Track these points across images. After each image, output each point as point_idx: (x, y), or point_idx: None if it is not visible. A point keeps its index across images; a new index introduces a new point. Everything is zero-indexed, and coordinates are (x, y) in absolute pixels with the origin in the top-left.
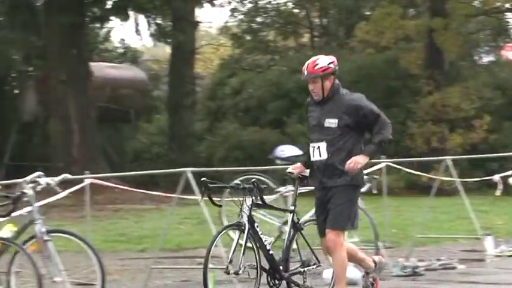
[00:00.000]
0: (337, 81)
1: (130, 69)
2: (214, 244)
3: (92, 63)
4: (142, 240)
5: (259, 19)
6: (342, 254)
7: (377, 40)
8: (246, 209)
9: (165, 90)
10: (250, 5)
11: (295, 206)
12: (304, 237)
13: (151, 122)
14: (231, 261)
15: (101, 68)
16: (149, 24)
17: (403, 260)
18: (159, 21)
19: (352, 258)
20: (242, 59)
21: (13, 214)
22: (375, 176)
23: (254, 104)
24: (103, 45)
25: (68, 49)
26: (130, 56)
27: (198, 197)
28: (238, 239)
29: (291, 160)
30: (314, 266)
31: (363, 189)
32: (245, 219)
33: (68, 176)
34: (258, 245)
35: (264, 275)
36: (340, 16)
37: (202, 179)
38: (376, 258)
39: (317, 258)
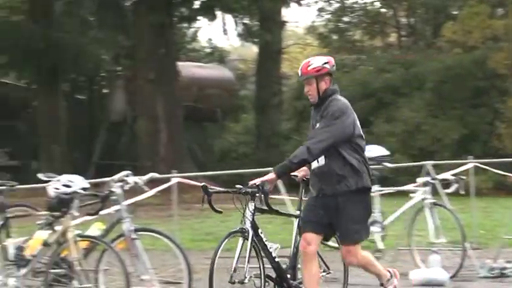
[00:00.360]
0: (335, 85)
1: (217, 68)
2: (219, 252)
3: (179, 63)
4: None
5: (346, 19)
6: (362, 259)
7: (464, 40)
8: (248, 215)
9: (252, 89)
10: (337, 5)
11: (300, 210)
12: (329, 245)
13: (238, 121)
14: (235, 270)
15: (188, 68)
16: (236, 24)
17: (490, 262)
18: (246, 21)
19: (368, 268)
20: None
21: (101, 212)
22: (462, 177)
23: None
24: (190, 45)
25: (156, 49)
26: (217, 55)
27: (283, 196)
28: (241, 247)
29: (377, 160)
30: (324, 273)
31: (449, 190)
32: (248, 226)
33: (156, 175)
34: (262, 253)
35: (272, 284)
36: (427, 15)
37: (202, 184)
38: (391, 270)
39: (326, 265)
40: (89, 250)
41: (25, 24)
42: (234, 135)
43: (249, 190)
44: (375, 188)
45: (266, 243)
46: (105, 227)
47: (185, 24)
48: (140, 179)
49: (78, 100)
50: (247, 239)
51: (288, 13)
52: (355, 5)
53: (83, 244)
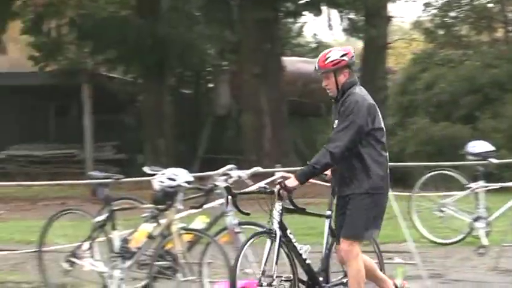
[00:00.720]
0: (354, 77)
1: None
2: (243, 252)
3: (284, 58)
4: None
5: (452, 14)
6: (357, 264)
7: None
8: (276, 215)
9: None
10: (443, 0)
11: (331, 210)
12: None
13: None
14: (263, 273)
15: (293, 63)
16: (342, 19)
17: None
18: (351, 16)
19: (371, 275)
20: (434, 53)
21: (205, 206)
22: None
23: (446, 99)
24: (296, 40)
25: (261, 44)
26: (322, 50)
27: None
28: (270, 248)
29: (483, 156)
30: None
31: None
32: (276, 226)
33: (259, 169)
34: (292, 255)
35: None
36: None
37: (225, 185)
38: (399, 282)
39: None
40: (193, 243)
41: (133, 19)
42: None
43: (275, 189)
44: (480, 183)
45: (296, 244)
46: (209, 220)
47: (290, 20)
48: (244, 173)
49: (184, 94)
50: (275, 240)
51: (394, 8)
52: (462, 0)
53: (187, 237)
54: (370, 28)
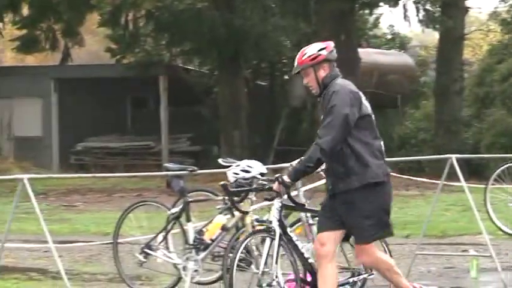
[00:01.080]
0: (336, 70)
1: (398, 55)
2: (240, 252)
3: (360, 50)
4: (406, 226)
5: None
6: (379, 259)
7: None
8: (275, 213)
9: (432, 76)
10: None
11: None
12: (351, 245)
13: (418, 108)
14: (263, 274)
15: (369, 54)
16: (418, 10)
17: None
18: (428, 7)
19: (386, 274)
20: (511, 45)
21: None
22: None
23: None
24: (371, 31)
25: (336, 35)
26: (398, 42)
27: (462, 183)
28: (269, 248)
29: None
30: (365, 275)
31: None
32: (275, 224)
33: None
34: (294, 254)
35: None
36: None
37: (221, 183)
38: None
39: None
40: None
41: (208, 11)
42: (413, 122)
43: (273, 185)
44: None
45: (297, 243)
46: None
47: (366, 11)
48: None
49: (259, 86)
50: (275, 239)
51: None
52: None
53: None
54: (447, 19)
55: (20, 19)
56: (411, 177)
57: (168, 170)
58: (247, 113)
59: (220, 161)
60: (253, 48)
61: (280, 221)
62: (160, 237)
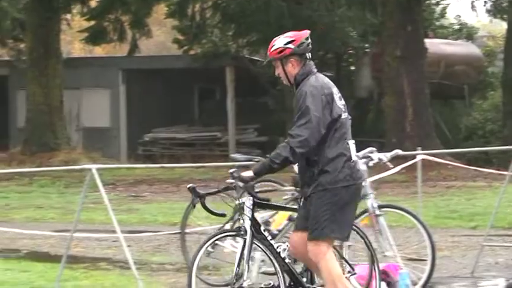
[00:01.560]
0: (310, 65)
1: (465, 45)
2: (200, 254)
3: (426, 40)
4: (473, 218)
5: None
6: (326, 265)
7: None
8: (247, 211)
9: (500, 66)
10: None
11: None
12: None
13: (486, 98)
14: (237, 277)
15: (435, 44)
16: (485, 0)
17: None
18: None
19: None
20: None
21: None
22: None
23: None
24: (438, 21)
25: (403, 26)
26: (465, 32)
27: None
28: (242, 249)
29: None
30: (348, 275)
31: None
32: (247, 224)
33: (400, 151)
34: (269, 255)
35: None
36: None
37: (188, 186)
38: None
39: (351, 266)
40: None
41: (275, 2)
42: (481, 113)
43: (241, 184)
44: None
45: (272, 242)
46: None
47: (433, 1)
48: (384, 156)
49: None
50: (246, 239)
51: None
52: None
53: None
54: None
55: (88, 10)
56: (478, 169)
57: (234, 160)
58: None
59: None
60: (319, 38)
61: (252, 219)
62: (227, 227)
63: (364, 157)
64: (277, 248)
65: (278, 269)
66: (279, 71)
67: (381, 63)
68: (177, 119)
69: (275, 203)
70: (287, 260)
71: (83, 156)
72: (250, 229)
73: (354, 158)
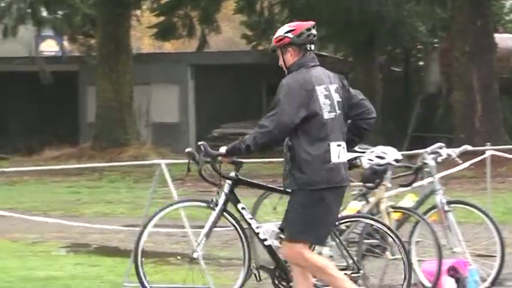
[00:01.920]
0: (308, 57)
1: None
2: (142, 240)
3: (496, 35)
4: None
5: None
6: (311, 262)
7: None
8: (225, 187)
9: None
10: None
11: None
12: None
13: None
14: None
15: (505, 40)
16: None
17: None
18: None
19: (325, 276)
20: None
21: (414, 184)
22: None
23: None
24: (508, 16)
25: (473, 21)
26: None
27: None
28: (213, 221)
29: None
30: (348, 272)
31: None
32: (221, 198)
33: (468, 147)
34: (244, 234)
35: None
36: None
37: (187, 150)
38: None
39: (355, 263)
40: (402, 222)
41: None
42: None
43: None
44: None
45: (251, 221)
46: (418, 198)
47: None
48: (453, 152)
49: (394, 72)
50: (215, 210)
51: None
52: None
53: (396, 215)
54: None
55: (158, 6)
56: None
57: None
58: (381, 99)
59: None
60: (388, 33)
61: (228, 194)
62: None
63: (432, 152)
64: (256, 228)
65: (246, 253)
66: (280, 60)
67: (450, 58)
68: (245, 115)
69: (259, 182)
70: (268, 243)
71: (152, 152)
72: (223, 204)
73: (334, 160)
